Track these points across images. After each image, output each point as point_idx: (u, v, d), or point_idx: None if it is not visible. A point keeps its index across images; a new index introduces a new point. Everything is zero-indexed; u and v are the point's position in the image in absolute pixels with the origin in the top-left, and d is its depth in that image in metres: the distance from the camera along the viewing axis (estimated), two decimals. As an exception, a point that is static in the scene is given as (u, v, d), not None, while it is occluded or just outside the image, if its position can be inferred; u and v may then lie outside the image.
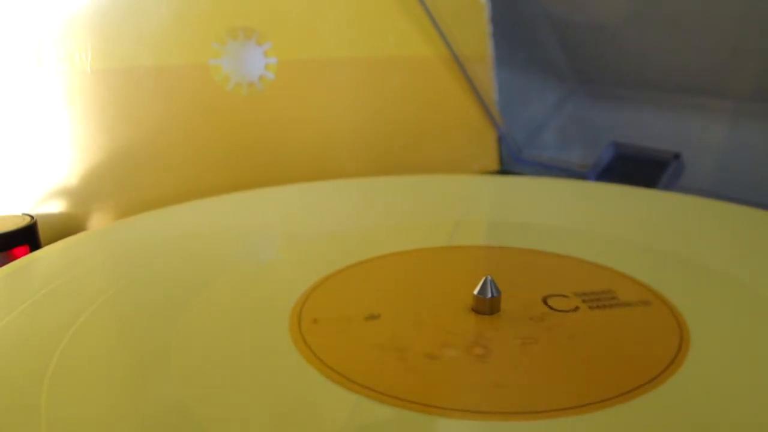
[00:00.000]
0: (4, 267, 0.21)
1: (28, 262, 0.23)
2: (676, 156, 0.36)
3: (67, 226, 0.31)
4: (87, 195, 0.32)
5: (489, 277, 0.19)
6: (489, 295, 0.18)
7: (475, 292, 0.19)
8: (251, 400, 0.14)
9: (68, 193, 0.31)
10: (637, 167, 0.38)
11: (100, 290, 0.20)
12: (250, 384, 0.15)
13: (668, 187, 0.36)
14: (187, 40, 0.34)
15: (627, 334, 0.17)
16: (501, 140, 0.44)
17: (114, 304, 0.19)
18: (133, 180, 0.33)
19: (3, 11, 0.29)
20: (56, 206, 0.31)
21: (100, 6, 0.31)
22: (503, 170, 0.44)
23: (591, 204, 0.30)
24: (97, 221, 0.32)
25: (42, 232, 0.27)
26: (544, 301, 0.20)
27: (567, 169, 0.42)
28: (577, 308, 0.19)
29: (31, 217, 0.27)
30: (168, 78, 0.33)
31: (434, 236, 0.26)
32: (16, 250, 0.25)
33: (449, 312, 0.19)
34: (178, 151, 0.34)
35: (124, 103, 0.32)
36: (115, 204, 0.32)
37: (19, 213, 0.28)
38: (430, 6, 0.40)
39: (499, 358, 0.16)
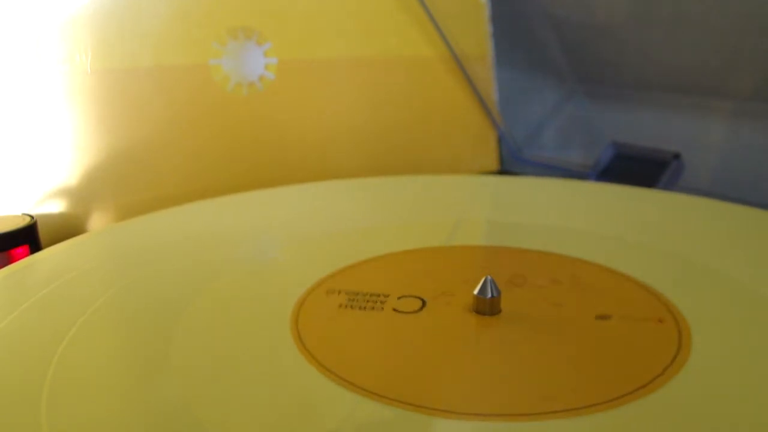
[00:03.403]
0: (4, 268, 0.21)
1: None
2: (676, 156, 0.36)
3: (67, 226, 0.31)
4: (87, 195, 0.32)
5: (489, 277, 0.19)
6: (489, 295, 0.18)
7: (475, 292, 0.19)
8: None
9: (68, 193, 0.31)
10: (637, 167, 0.38)
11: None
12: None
13: (668, 187, 0.36)
14: (187, 40, 0.34)
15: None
16: (501, 140, 0.44)
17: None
18: (133, 180, 0.33)
19: (3, 11, 0.29)
20: (56, 206, 0.31)
21: (100, 6, 0.31)
22: (503, 170, 0.44)
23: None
24: (97, 221, 0.32)
25: (42, 232, 0.27)
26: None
27: (567, 169, 0.42)
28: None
29: (31, 217, 0.27)
30: (168, 78, 0.33)
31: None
32: (16, 250, 0.25)
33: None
34: (178, 151, 0.34)
35: (124, 103, 0.32)
36: (115, 204, 0.32)
37: (19, 213, 0.28)
38: (430, 6, 0.40)
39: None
